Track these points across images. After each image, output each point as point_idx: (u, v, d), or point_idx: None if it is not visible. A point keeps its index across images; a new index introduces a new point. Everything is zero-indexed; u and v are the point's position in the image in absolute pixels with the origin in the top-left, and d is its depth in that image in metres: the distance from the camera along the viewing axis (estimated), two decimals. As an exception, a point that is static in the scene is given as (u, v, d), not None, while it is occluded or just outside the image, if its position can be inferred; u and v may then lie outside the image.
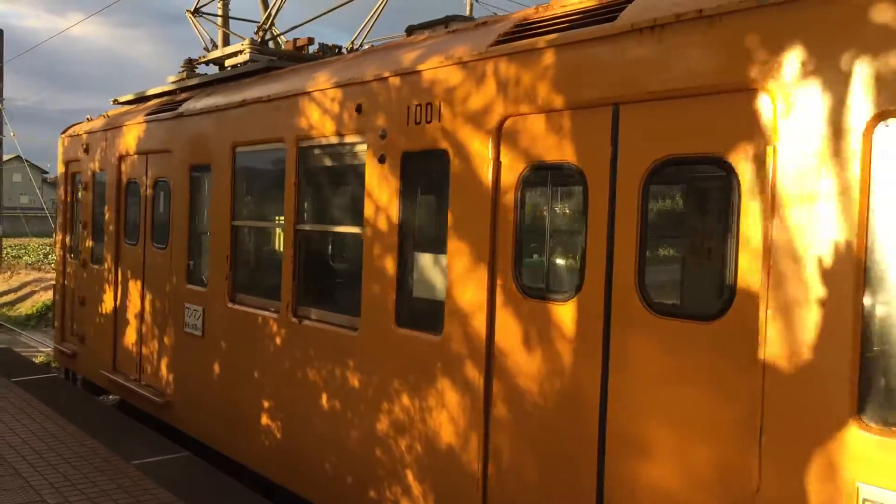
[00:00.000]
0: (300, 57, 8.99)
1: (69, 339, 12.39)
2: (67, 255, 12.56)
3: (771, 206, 3.70)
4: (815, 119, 3.57)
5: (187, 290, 8.80)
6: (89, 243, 11.54)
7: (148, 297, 9.74)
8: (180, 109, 9.18)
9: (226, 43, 13.77)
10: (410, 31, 6.85)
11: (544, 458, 4.78)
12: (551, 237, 5.11)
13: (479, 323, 5.15)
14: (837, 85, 3.50)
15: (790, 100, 3.65)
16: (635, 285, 4.32)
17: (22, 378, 11.69)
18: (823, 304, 3.51)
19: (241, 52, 9.54)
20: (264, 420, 7.40)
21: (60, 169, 12.90)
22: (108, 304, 10.77)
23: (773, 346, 3.67)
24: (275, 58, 8.98)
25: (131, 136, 10.30)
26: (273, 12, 9.89)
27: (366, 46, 9.10)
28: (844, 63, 3.47)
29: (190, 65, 10.74)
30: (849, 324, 3.42)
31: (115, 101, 12.01)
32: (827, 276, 3.50)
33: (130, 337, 10.17)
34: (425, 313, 5.72)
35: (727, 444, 3.86)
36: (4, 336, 23.25)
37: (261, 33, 9.81)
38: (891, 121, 3.38)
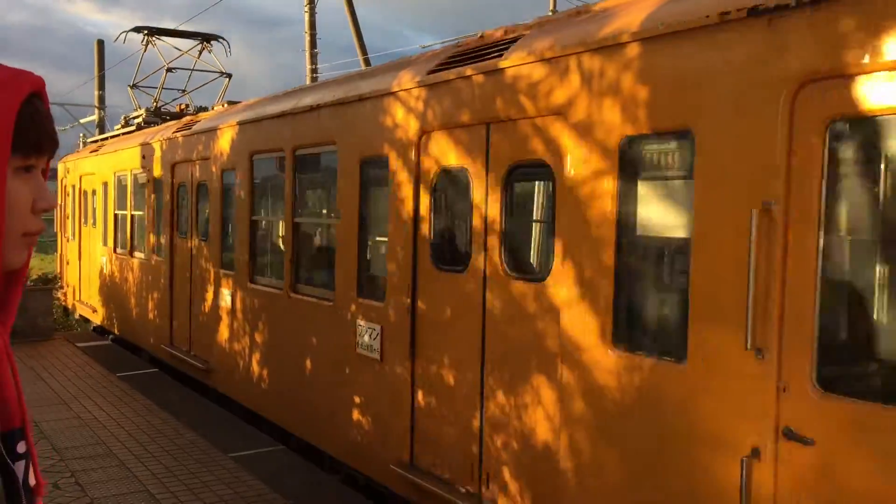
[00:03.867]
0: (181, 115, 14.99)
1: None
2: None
3: (569, 197, 5.13)
4: (593, 134, 4.99)
5: (222, 274, 10.63)
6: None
7: (196, 281, 11.62)
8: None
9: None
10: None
11: (456, 390, 6.32)
12: (453, 224, 6.62)
13: (406, 292, 6.70)
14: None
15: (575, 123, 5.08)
16: (500, 258, 5.80)
17: (126, 373, 12.53)
18: (585, 269, 4.94)
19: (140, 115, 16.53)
20: (271, 374, 9.17)
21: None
22: (165, 289, 12.75)
23: (564, 292, 5.11)
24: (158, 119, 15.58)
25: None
26: (158, 94, 17.10)
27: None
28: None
29: (126, 120, 17.84)
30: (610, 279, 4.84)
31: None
32: (594, 245, 4.92)
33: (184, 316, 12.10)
34: (376, 286, 7.33)
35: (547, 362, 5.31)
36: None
37: (154, 103, 17.15)
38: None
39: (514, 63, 5.63)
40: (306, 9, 20.30)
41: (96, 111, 30.45)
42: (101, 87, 35.67)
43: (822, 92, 3.76)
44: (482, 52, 6.21)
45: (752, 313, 3.89)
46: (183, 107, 17.37)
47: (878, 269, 3.79)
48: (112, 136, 18.48)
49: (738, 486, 3.97)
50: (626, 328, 4.83)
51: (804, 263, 3.81)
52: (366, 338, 7.30)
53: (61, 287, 18.02)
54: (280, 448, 8.77)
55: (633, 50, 4.71)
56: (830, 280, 3.84)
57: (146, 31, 17.89)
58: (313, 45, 21.25)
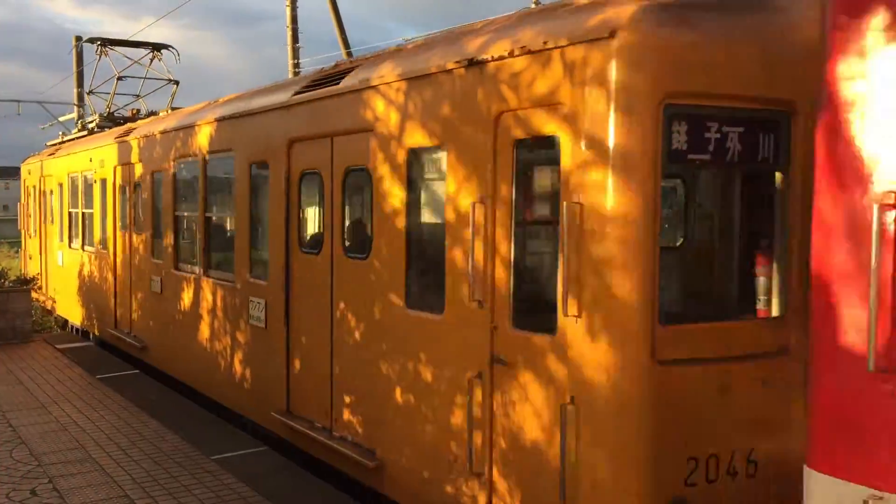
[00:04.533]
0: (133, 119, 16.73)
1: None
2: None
3: (378, 195, 6.72)
4: (391, 147, 6.60)
5: (152, 263, 12.20)
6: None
7: (133, 270, 13.20)
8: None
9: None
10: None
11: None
12: (313, 216, 8.23)
13: (282, 271, 8.32)
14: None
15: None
16: (341, 242, 7.43)
17: (106, 375, 12.51)
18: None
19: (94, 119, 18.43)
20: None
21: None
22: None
23: (378, 267, 6.72)
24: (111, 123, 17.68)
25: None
26: (110, 101, 18.83)
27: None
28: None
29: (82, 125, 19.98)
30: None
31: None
32: (393, 232, 6.57)
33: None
34: (263, 268, 8.97)
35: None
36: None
37: (107, 109, 18.96)
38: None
39: (345, 89, 7.24)
40: (287, 3, 20.83)
41: (75, 109, 30.74)
42: (80, 84, 35.37)
43: (510, 120, 5.40)
44: (332, 78, 7.79)
45: (472, 276, 5.54)
46: (135, 112, 18.82)
47: (550, 246, 5.44)
48: (68, 140, 19.84)
49: (467, 396, 5.64)
50: (412, 293, 6.46)
51: (503, 241, 5.46)
52: (255, 311, 8.91)
53: (39, 287, 18.31)
54: (264, 449, 8.82)
55: (405, 85, 6.36)
56: (520, 252, 5.50)
57: (99, 42, 19.34)
58: (295, 40, 21.74)
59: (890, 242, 3.30)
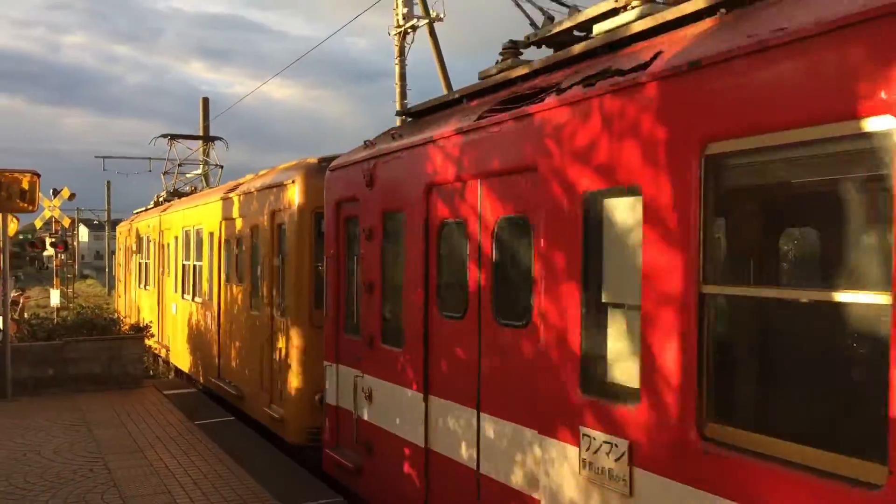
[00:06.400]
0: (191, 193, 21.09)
1: None
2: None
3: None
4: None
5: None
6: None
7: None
8: None
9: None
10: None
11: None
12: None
13: (213, 293, 11.49)
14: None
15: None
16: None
17: (204, 421, 13.04)
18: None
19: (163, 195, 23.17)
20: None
21: None
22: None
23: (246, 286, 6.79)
24: (175, 197, 21.78)
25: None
26: (174, 182, 24.58)
27: None
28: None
29: (157, 199, 24.68)
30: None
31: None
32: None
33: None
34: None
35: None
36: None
37: (172, 187, 24.45)
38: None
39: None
40: (396, 62, 21.23)
41: (201, 165, 32.10)
42: (205, 141, 37.23)
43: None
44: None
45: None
46: (192, 189, 24.48)
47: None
48: (146, 210, 25.86)
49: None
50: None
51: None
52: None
53: (153, 335, 19.17)
54: (339, 499, 8.91)
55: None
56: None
57: (169, 137, 26.29)
58: (403, 96, 22.28)
59: None
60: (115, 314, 19.62)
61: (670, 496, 4.31)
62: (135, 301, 24.58)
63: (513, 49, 7.23)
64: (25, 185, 15.01)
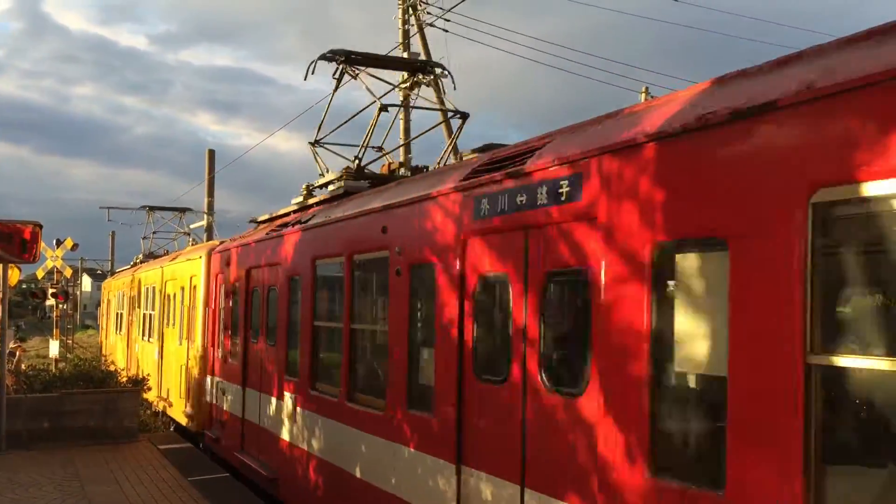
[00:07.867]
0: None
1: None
2: None
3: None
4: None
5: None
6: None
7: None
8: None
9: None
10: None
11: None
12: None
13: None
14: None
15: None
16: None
17: (198, 477, 12.92)
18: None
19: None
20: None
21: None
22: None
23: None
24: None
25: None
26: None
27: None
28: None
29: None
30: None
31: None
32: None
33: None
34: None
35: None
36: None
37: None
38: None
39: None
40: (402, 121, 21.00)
41: (205, 217, 32.04)
42: (211, 193, 36.52)
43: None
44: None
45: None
46: (165, 251, 30.60)
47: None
48: (133, 266, 29.94)
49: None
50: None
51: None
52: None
53: (149, 388, 18.83)
54: None
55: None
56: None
57: (149, 208, 33.68)
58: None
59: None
60: (113, 366, 19.43)
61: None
62: (108, 341, 32.21)
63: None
64: (27, 236, 15.00)
